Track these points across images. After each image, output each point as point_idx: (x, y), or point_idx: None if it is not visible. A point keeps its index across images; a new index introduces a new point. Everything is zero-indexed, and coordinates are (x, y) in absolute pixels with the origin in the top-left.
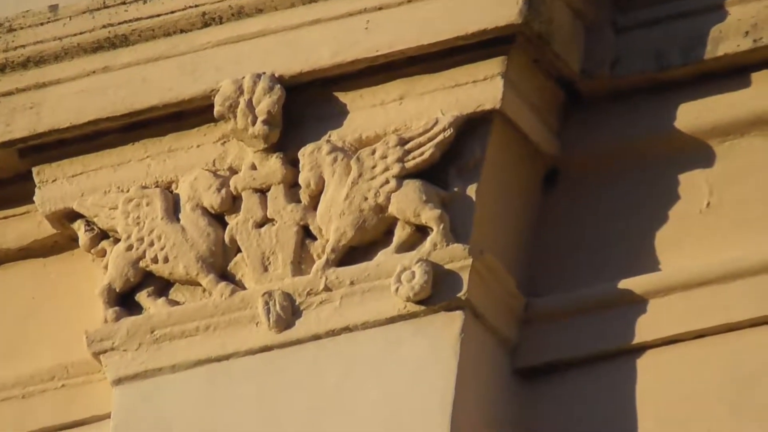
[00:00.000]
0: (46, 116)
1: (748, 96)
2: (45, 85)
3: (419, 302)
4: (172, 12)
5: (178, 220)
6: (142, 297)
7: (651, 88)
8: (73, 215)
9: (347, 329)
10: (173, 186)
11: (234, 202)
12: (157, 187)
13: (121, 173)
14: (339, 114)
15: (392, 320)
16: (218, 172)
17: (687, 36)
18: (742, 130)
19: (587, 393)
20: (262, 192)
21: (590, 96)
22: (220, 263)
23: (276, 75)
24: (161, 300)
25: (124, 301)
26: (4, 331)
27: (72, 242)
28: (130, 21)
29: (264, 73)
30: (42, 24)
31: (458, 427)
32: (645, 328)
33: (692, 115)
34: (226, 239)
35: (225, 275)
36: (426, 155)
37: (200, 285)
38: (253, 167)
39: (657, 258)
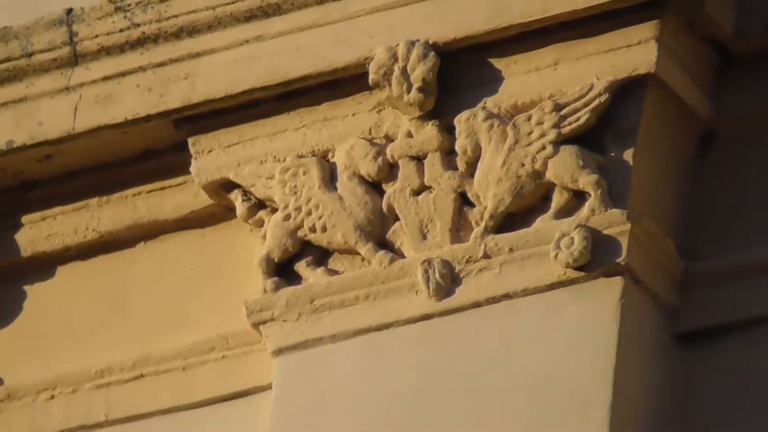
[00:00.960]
0: (200, 86)
1: None
2: (198, 55)
3: (578, 268)
4: None
5: (335, 189)
6: (301, 267)
7: None
8: (229, 185)
9: (507, 296)
10: (329, 155)
11: (390, 170)
12: (313, 156)
13: (277, 143)
14: (493, 80)
15: (551, 287)
16: (374, 140)
17: None
18: None
19: (749, 356)
20: (419, 159)
21: (744, 57)
22: (378, 232)
23: (430, 42)
24: (320, 269)
25: (283, 271)
26: (163, 303)
27: (229, 212)
28: None
29: (418, 40)
30: None
31: (620, 393)
32: None
33: None
34: (384, 207)
35: (383, 244)
36: (582, 120)
37: (359, 254)
38: (409, 135)
39: None
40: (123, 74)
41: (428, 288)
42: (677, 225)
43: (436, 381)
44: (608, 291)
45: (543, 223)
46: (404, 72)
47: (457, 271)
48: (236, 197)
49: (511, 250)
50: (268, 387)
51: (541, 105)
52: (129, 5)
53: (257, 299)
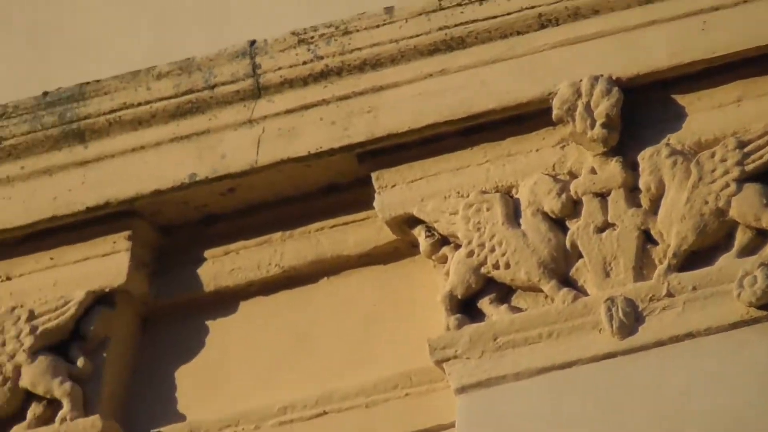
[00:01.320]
0: (383, 120)
1: None
2: (382, 89)
3: (762, 307)
4: (509, 14)
5: (519, 225)
6: (484, 304)
7: None
8: (413, 221)
9: (690, 335)
10: (513, 190)
11: (574, 207)
12: (496, 191)
13: (461, 178)
14: (677, 116)
15: (735, 325)
16: (558, 176)
17: None
18: None
19: None
20: (602, 196)
21: None
22: (562, 269)
23: (613, 77)
24: (503, 307)
25: (466, 307)
26: (346, 339)
27: (412, 248)
28: (467, 23)
29: (601, 75)
30: (378, 26)
31: None
32: None
33: None
34: (568, 244)
35: (566, 281)
36: (765, 158)
37: (542, 291)
38: (593, 171)
39: None
40: (306, 107)
41: (611, 326)
42: None
43: (618, 420)
44: None
45: (726, 261)
46: (588, 108)
47: (640, 309)
48: (419, 233)
49: (694, 288)
50: (451, 425)
51: (724, 142)
52: (312, 38)
53: (440, 336)
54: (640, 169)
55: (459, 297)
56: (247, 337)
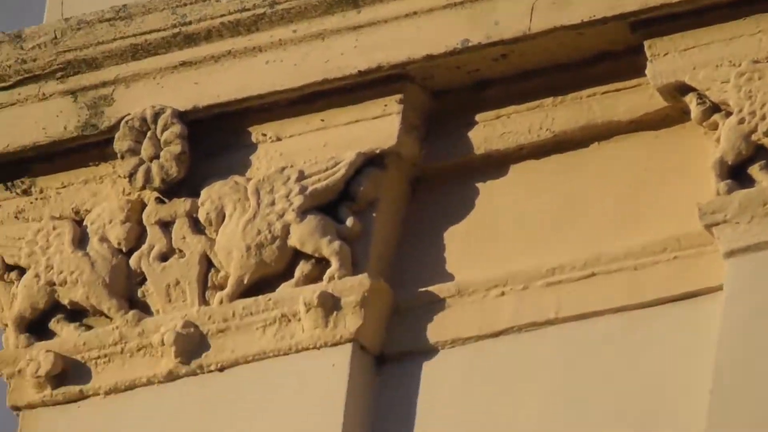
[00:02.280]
0: None
1: None
2: None
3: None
4: None
5: None
6: (754, 170)
7: None
8: (684, 88)
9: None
10: None
11: None
12: (767, 60)
13: (733, 47)
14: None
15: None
16: None
17: None
18: None
19: None
20: None
21: None
22: None
23: None
24: None
25: (736, 174)
26: (615, 203)
27: (683, 115)
28: None
29: None
30: None
31: None
32: None
33: None
34: None
35: None
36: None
37: None
38: None
39: None
40: None
41: None
42: None
43: None
44: None
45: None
46: None
47: None
48: (691, 100)
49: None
50: (719, 288)
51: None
52: None
53: (710, 201)
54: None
55: (729, 163)
56: (516, 199)
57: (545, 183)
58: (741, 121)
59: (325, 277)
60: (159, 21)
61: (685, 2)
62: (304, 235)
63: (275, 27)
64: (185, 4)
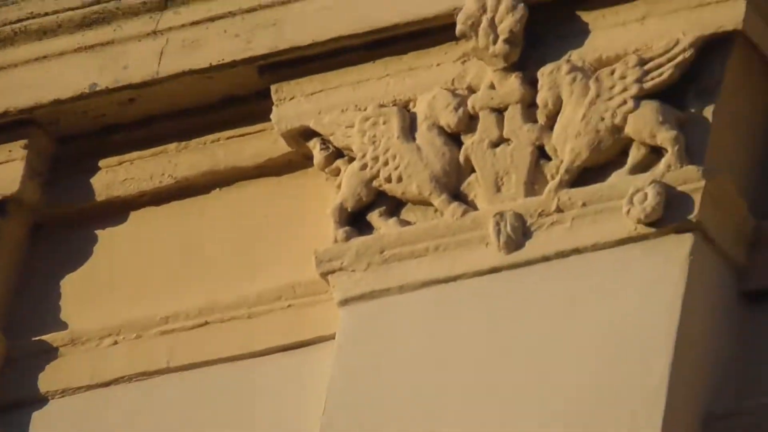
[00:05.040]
0: (287, 33)
1: None
2: (287, 2)
3: (650, 224)
4: None
5: (414, 139)
6: (374, 217)
7: None
8: (309, 133)
9: (577, 251)
10: (411, 105)
11: (470, 122)
12: (394, 105)
13: (360, 91)
14: (580, 33)
15: (622, 242)
16: (457, 91)
17: None
18: None
19: None
20: (499, 111)
21: None
22: (454, 183)
23: None
24: (392, 220)
25: (355, 220)
26: (234, 250)
27: (307, 161)
28: None
29: None
30: None
31: (682, 349)
32: None
33: None
34: (461, 159)
35: (457, 195)
36: (665, 76)
37: (432, 205)
38: (492, 86)
39: None
40: (212, 19)
41: (498, 241)
42: (751, 184)
43: (503, 335)
44: (678, 247)
45: (617, 178)
46: (492, 23)
47: (528, 224)
48: (314, 145)
49: (584, 204)
50: (332, 337)
51: (625, 59)
52: None
53: (327, 248)
54: (539, 84)
55: (349, 209)
56: (135, 247)
57: (165, 230)
58: (363, 167)
59: None
60: None
61: (315, 45)
62: None
63: None
64: None
